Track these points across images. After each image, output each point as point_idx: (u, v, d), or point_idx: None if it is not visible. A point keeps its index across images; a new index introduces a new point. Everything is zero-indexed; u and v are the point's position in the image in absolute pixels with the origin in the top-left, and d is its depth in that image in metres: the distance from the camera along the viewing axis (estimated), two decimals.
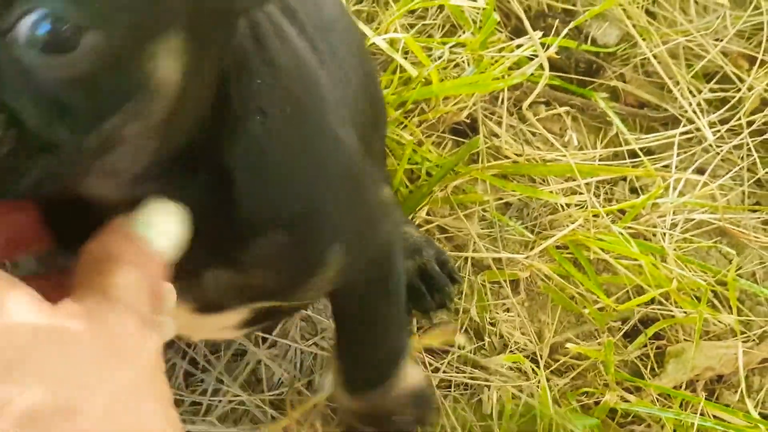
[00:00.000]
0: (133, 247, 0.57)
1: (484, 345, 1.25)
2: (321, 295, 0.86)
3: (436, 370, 1.21)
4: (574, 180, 1.38)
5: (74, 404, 0.48)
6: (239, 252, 0.72)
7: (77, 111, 0.53)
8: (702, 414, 1.18)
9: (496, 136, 1.41)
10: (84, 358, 0.50)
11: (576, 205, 1.33)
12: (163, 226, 0.59)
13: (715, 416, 1.19)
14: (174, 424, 0.53)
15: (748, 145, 1.47)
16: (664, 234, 1.33)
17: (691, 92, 1.50)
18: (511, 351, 1.23)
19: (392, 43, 1.38)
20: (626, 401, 1.17)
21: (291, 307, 0.95)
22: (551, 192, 1.36)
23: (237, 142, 0.67)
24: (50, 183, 0.55)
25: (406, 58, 1.39)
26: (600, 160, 1.43)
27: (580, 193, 1.37)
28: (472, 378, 1.20)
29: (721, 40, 1.56)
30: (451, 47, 1.43)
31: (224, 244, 0.70)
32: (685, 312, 1.27)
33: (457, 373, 1.20)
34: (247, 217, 0.70)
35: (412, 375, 1.07)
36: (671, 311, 1.27)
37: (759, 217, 1.41)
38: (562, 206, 1.35)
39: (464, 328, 1.25)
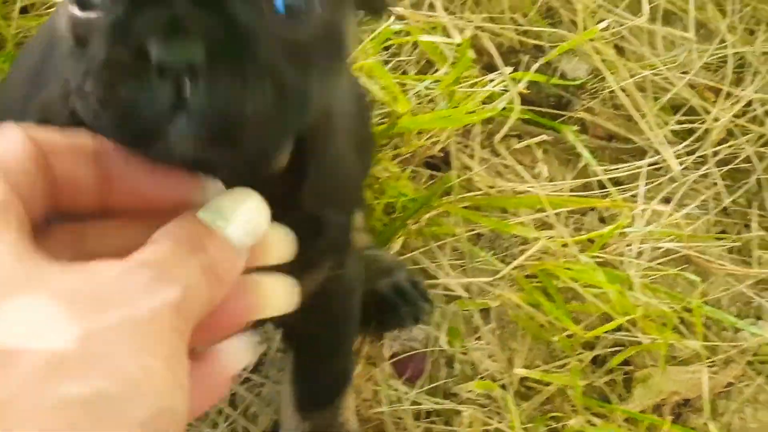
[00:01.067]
0: (192, 227, 0.53)
1: (455, 373, 1.29)
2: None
3: (408, 399, 1.25)
4: (544, 211, 1.42)
5: (19, 346, 0.44)
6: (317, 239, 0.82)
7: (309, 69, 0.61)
8: None
9: (469, 169, 1.45)
10: (49, 302, 0.46)
11: (546, 237, 1.37)
12: (236, 214, 0.54)
13: None
14: (182, 387, 0.47)
15: (714, 175, 1.51)
16: (631, 262, 1.37)
17: (658, 124, 1.55)
18: (481, 378, 1.27)
19: (368, 78, 1.43)
20: (594, 425, 1.21)
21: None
22: (521, 223, 1.40)
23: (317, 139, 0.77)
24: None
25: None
26: (570, 190, 1.48)
27: (551, 225, 1.41)
28: (443, 405, 1.24)
29: (688, 73, 1.61)
30: (424, 83, 1.48)
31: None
32: (651, 338, 1.30)
33: (429, 401, 1.24)
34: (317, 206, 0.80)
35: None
36: (638, 338, 1.31)
37: (724, 245, 1.45)
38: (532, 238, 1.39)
39: (435, 356, 1.29)
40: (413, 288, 1.30)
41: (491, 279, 1.32)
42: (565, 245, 1.37)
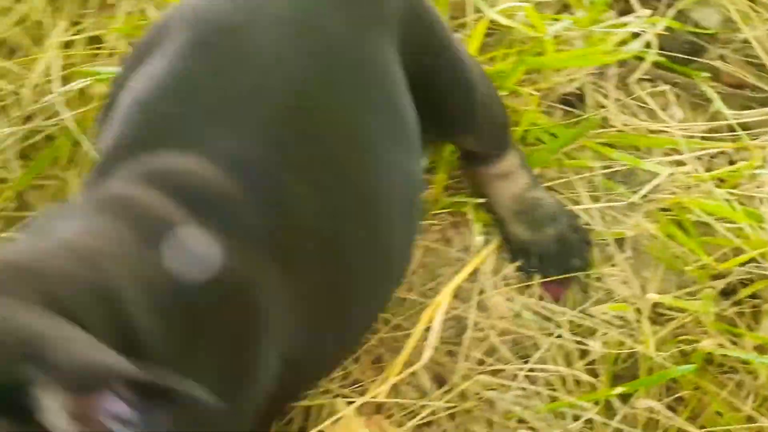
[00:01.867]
0: None
1: (590, 298, 1.34)
2: None
3: (548, 319, 1.31)
4: (676, 151, 1.46)
5: None
6: None
7: None
8: None
9: (603, 107, 1.50)
10: None
11: (682, 173, 1.42)
12: None
13: None
14: None
15: None
16: (761, 200, 1.40)
17: None
18: (615, 302, 1.32)
19: (509, 16, 1.48)
20: (725, 348, 1.25)
21: None
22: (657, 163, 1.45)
23: None
24: None
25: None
26: (700, 135, 1.52)
27: (683, 164, 1.45)
28: (579, 325, 1.30)
29: None
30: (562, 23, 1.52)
31: None
32: None
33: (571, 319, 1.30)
34: None
35: None
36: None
37: None
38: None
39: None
40: (575, 234, 1.36)
41: (626, 203, 1.38)
42: (698, 182, 1.41)
